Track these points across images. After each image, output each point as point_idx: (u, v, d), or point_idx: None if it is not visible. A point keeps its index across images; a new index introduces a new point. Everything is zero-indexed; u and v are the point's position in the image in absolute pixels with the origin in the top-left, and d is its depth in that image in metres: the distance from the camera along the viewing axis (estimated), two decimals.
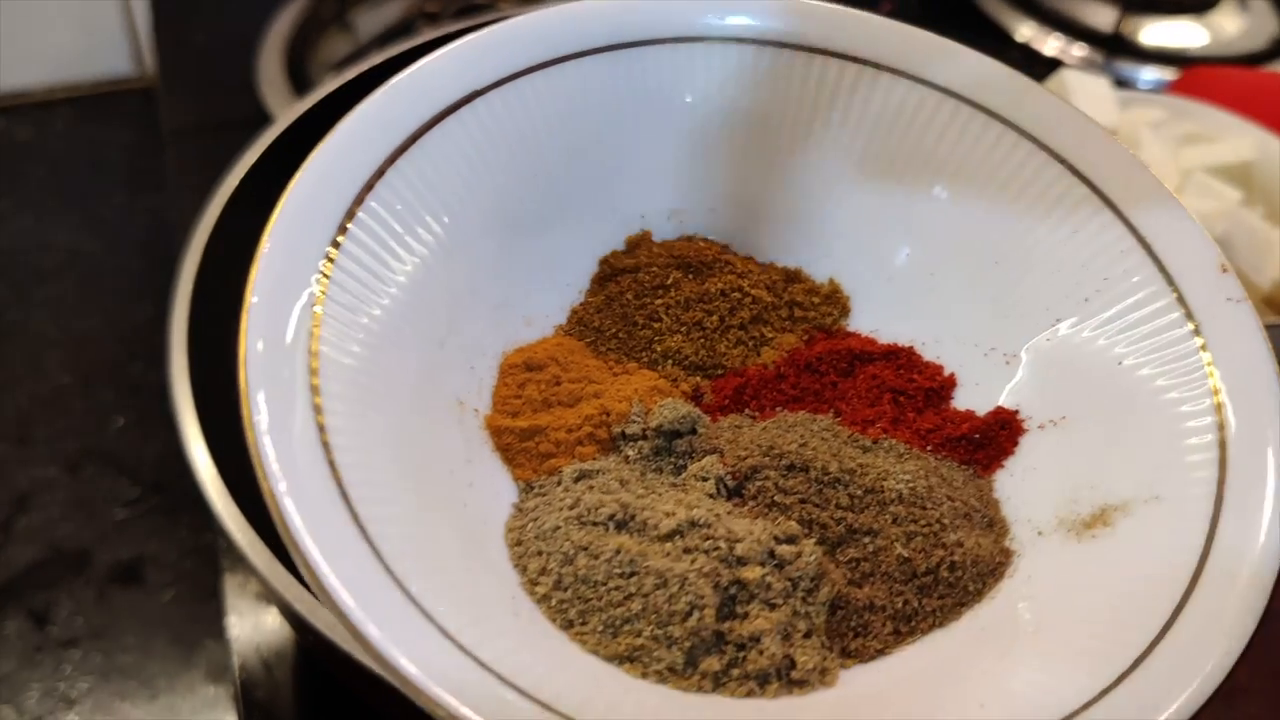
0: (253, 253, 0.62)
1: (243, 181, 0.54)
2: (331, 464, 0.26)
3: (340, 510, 0.25)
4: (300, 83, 0.74)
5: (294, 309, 0.27)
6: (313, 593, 0.37)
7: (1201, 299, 0.31)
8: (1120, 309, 0.32)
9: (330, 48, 0.77)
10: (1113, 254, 0.33)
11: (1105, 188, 0.34)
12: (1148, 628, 0.26)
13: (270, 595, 0.45)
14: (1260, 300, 0.51)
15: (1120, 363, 0.32)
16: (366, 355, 0.29)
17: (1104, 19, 0.76)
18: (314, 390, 0.26)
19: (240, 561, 0.53)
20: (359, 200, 0.30)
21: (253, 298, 0.27)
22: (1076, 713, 0.25)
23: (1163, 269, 0.32)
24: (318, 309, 0.28)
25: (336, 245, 0.29)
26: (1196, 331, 0.31)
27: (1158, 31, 0.77)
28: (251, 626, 0.52)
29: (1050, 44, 0.74)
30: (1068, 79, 0.57)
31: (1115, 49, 0.74)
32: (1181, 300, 0.32)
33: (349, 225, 0.29)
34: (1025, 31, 0.75)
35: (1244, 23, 0.79)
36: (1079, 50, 0.74)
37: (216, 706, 0.55)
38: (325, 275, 0.28)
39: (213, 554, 0.58)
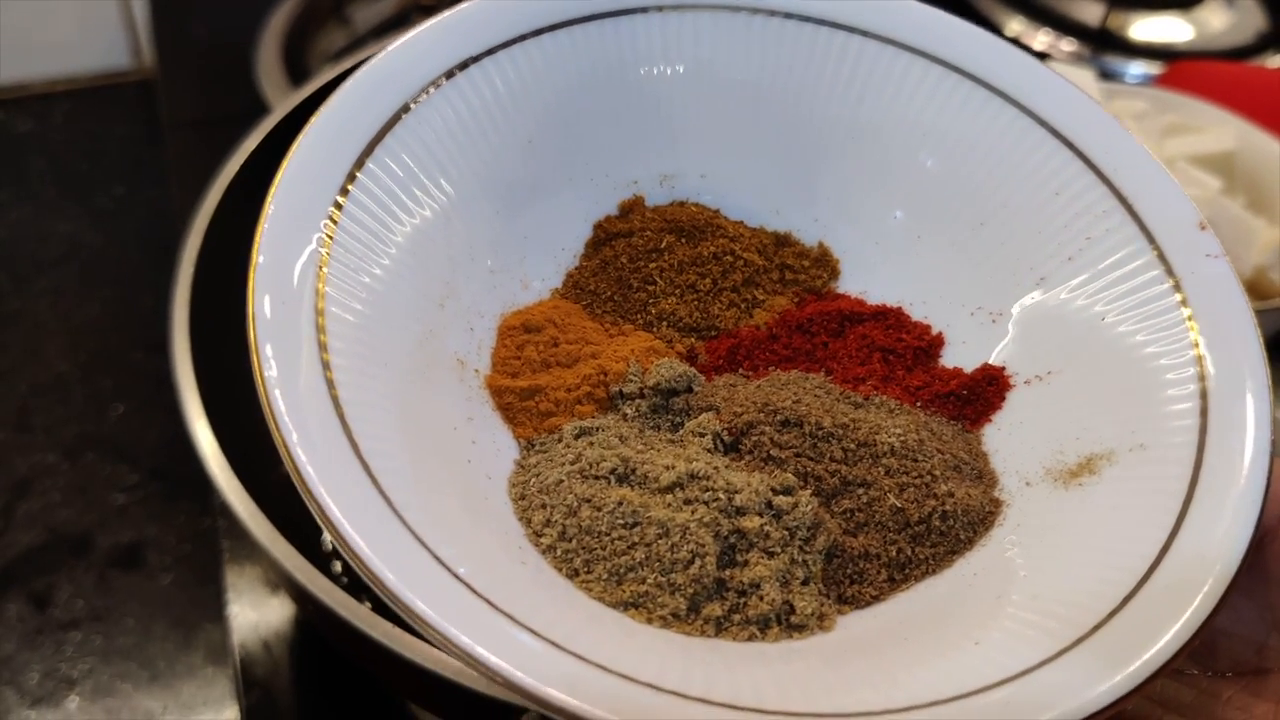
0: (251, 239, 0.63)
1: (241, 170, 0.55)
2: (341, 416, 0.26)
3: (351, 460, 0.26)
4: (298, 75, 0.74)
5: (299, 267, 0.28)
6: (314, 563, 0.38)
7: (1181, 256, 0.32)
8: (1102, 268, 0.33)
9: (327, 40, 0.78)
10: (1095, 214, 0.34)
11: (1087, 150, 0.34)
12: (1136, 568, 0.27)
13: (271, 567, 0.46)
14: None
15: (1103, 319, 0.33)
16: (369, 314, 0.29)
17: (1092, 14, 0.77)
18: (321, 346, 0.27)
19: (240, 540, 0.54)
20: (359, 164, 0.31)
21: (259, 257, 0.28)
22: (1070, 647, 0.25)
23: (1143, 228, 0.33)
24: (323, 268, 0.28)
25: (338, 207, 0.30)
26: (1176, 287, 0.32)
27: (1145, 26, 0.78)
28: (250, 608, 0.53)
29: (1039, 39, 0.75)
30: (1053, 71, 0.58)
31: (1103, 44, 0.75)
32: (1162, 258, 0.32)
33: (349, 188, 0.30)
34: (1014, 26, 0.76)
35: (1230, 18, 0.79)
36: (1067, 45, 0.75)
37: (216, 687, 0.55)
38: (328, 236, 0.29)
39: (212, 538, 0.58)
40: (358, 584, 0.53)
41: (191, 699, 0.55)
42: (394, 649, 0.35)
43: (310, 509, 0.25)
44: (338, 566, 0.53)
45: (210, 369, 0.48)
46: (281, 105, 0.58)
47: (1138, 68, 0.74)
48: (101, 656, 0.56)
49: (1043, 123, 0.35)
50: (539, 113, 0.35)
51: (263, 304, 0.27)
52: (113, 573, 0.59)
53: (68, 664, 0.56)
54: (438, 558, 0.25)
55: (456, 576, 0.25)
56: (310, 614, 0.43)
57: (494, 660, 0.23)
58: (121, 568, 0.60)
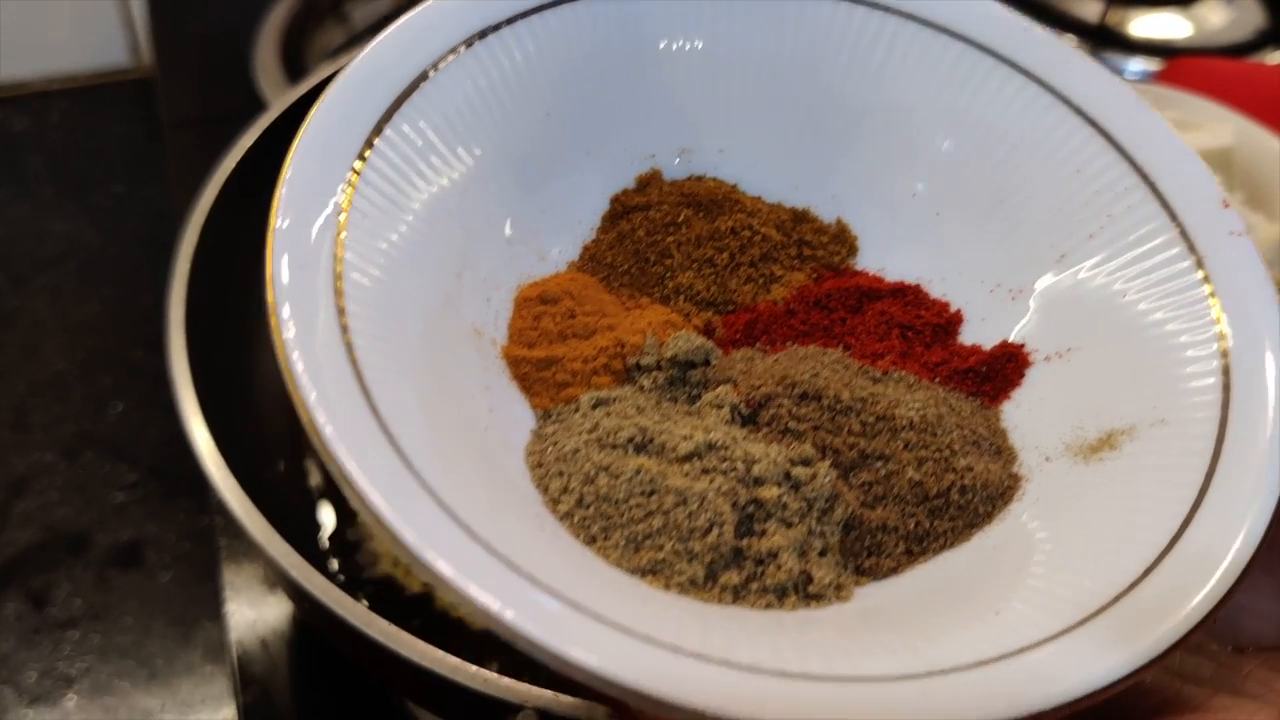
0: (247, 238, 0.63)
1: (238, 167, 0.55)
2: (359, 378, 0.26)
3: (369, 421, 0.25)
4: (296, 72, 0.74)
5: (316, 231, 0.28)
6: (311, 560, 0.37)
7: (1203, 234, 0.32)
8: (1123, 245, 0.33)
9: (326, 37, 0.78)
10: (1116, 191, 0.34)
11: (1109, 128, 0.34)
12: (1157, 541, 0.27)
13: (268, 565, 0.45)
14: None
15: (1124, 296, 0.33)
16: (386, 280, 0.29)
17: (1090, 10, 0.77)
18: (340, 310, 0.27)
19: (238, 538, 0.54)
20: (376, 130, 0.31)
21: (278, 220, 0.28)
22: (1091, 617, 0.25)
23: (1165, 205, 0.33)
24: (341, 234, 0.28)
25: (356, 173, 0.30)
26: (1199, 265, 0.32)
27: (1143, 23, 0.77)
28: (248, 604, 0.53)
29: None
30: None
31: (1102, 40, 0.75)
32: (1184, 235, 0.32)
33: (366, 154, 0.30)
34: None
35: (1229, 14, 0.79)
36: (1066, 41, 0.74)
37: (214, 685, 0.55)
38: (346, 202, 0.29)
39: (211, 536, 0.58)
40: (355, 582, 0.53)
41: (190, 697, 0.55)
42: (391, 647, 0.34)
43: (329, 469, 0.24)
44: (335, 564, 0.53)
45: (207, 367, 0.48)
46: (278, 103, 0.58)
47: (1136, 64, 0.74)
48: (100, 655, 0.56)
49: (1064, 100, 0.35)
50: (557, 84, 0.35)
51: (281, 266, 0.27)
52: (111, 571, 0.59)
53: (66, 662, 0.56)
54: (456, 518, 0.25)
55: (475, 537, 0.24)
56: (307, 612, 0.43)
57: (513, 619, 0.23)
58: (120, 566, 0.60)
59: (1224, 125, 0.58)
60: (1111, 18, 0.77)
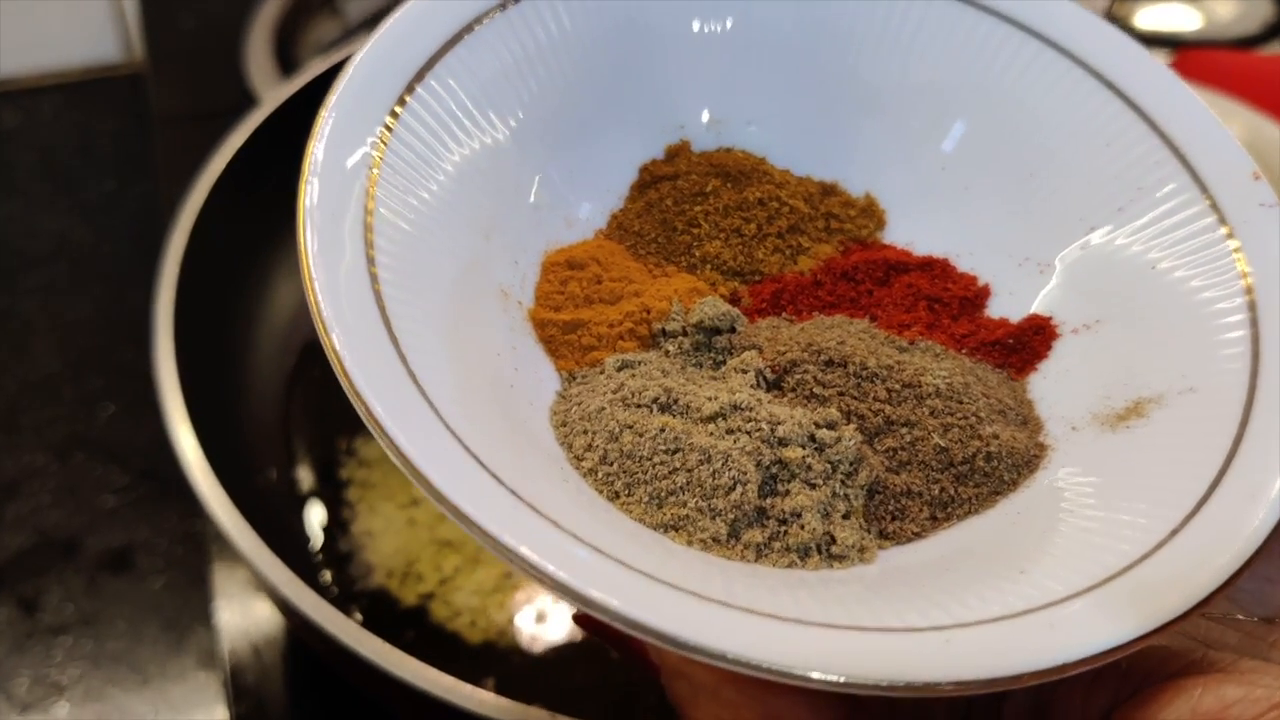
0: (238, 236, 0.62)
1: (229, 165, 0.54)
2: (387, 324, 0.26)
3: (395, 363, 0.26)
4: (289, 67, 0.74)
5: (350, 177, 0.29)
6: (301, 574, 0.36)
7: (1234, 205, 0.32)
8: (1153, 216, 0.33)
9: (318, 32, 0.77)
10: (1146, 164, 0.34)
11: (1139, 101, 0.35)
12: (1184, 505, 0.27)
13: (257, 580, 0.45)
14: None
15: (1154, 266, 0.33)
16: (415, 234, 0.29)
17: (1097, 3, 0.76)
18: (369, 260, 0.27)
19: (229, 547, 0.53)
20: (409, 88, 0.31)
21: (311, 166, 0.28)
22: (1116, 576, 0.26)
23: (1196, 178, 0.33)
24: (372, 187, 0.29)
25: (388, 128, 0.30)
26: (1230, 235, 0.32)
27: (1151, 15, 0.77)
28: (241, 612, 0.52)
29: None
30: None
31: None
32: (1215, 207, 0.32)
33: (398, 110, 0.30)
34: None
35: (1237, 7, 0.79)
36: None
37: (207, 692, 0.55)
38: (378, 156, 0.29)
39: (202, 541, 0.57)
40: (348, 595, 0.52)
41: (183, 703, 0.55)
42: (384, 667, 0.34)
43: (355, 406, 0.25)
44: (327, 576, 0.52)
45: (197, 372, 0.47)
46: (268, 100, 0.57)
47: None
48: (92, 661, 0.56)
49: (1094, 73, 0.35)
50: (590, 51, 0.35)
51: (312, 205, 0.27)
52: (103, 576, 0.59)
53: (57, 669, 0.55)
54: (481, 463, 0.25)
55: (501, 482, 0.25)
56: (298, 628, 0.42)
57: (539, 560, 0.23)
58: (112, 571, 0.59)
59: (1233, 118, 0.57)
60: (1119, 9, 0.76)
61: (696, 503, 0.28)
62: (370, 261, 0.27)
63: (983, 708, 0.28)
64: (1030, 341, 0.34)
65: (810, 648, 0.23)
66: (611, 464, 0.29)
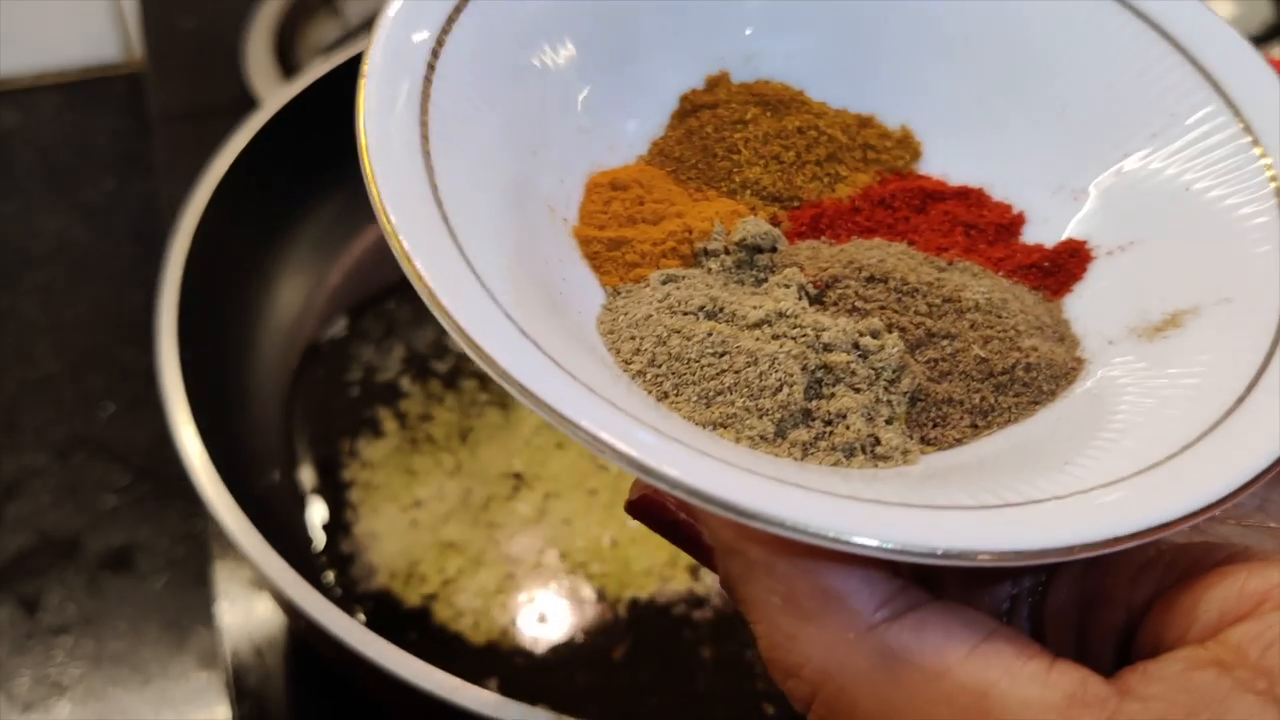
0: (241, 238, 0.62)
1: (232, 166, 0.54)
2: (444, 216, 0.27)
3: (452, 250, 0.27)
4: (289, 67, 0.74)
5: (406, 86, 0.29)
6: (305, 574, 0.35)
7: (1269, 128, 0.33)
8: (1187, 140, 0.34)
9: (318, 32, 0.77)
10: (1180, 91, 0.35)
11: (1172, 30, 0.35)
12: (1224, 401, 0.28)
13: (262, 582, 0.45)
14: None
15: (1188, 188, 0.34)
16: (467, 135, 0.30)
17: None
18: (425, 154, 0.28)
19: (231, 547, 0.53)
20: (458, 8, 0.32)
21: (369, 71, 0.29)
22: (1157, 464, 0.26)
23: (1230, 103, 0.34)
24: (429, 89, 0.30)
25: (440, 44, 0.31)
26: (1263, 154, 0.33)
27: None
28: (243, 612, 0.52)
29: None
30: None
31: None
32: (1248, 129, 0.33)
33: (450, 26, 0.31)
34: None
35: (1237, 8, 0.79)
36: None
37: (208, 692, 0.55)
38: (431, 66, 0.30)
39: (204, 540, 0.58)
40: (352, 595, 0.52)
41: (184, 702, 0.55)
42: (389, 668, 0.34)
43: (417, 290, 0.25)
44: (331, 577, 0.52)
45: (200, 373, 0.48)
46: (271, 100, 0.57)
47: None
48: (93, 661, 0.56)
49: (1128, 6, 0.36)
50: None
51: (372, 102, 0.28)
52: (104, 576, 0.59)
53: (58, 669, 0.55)
54: (544, 351, 0.26)
55: (566, 370, 0.25)
56: (302, 630, 0.42)
57: (618, 443, 0.24)
58: (112, 571, 0.59)
59: None
60: None
61: (744, 402, 0.29)
62: (426, 154, 0.28)
63: (1024, 598, 0.29)
64: (1066, 264, 0.35)
65: (858, 517, 0.24)
66: (660, 366, 0.30)
